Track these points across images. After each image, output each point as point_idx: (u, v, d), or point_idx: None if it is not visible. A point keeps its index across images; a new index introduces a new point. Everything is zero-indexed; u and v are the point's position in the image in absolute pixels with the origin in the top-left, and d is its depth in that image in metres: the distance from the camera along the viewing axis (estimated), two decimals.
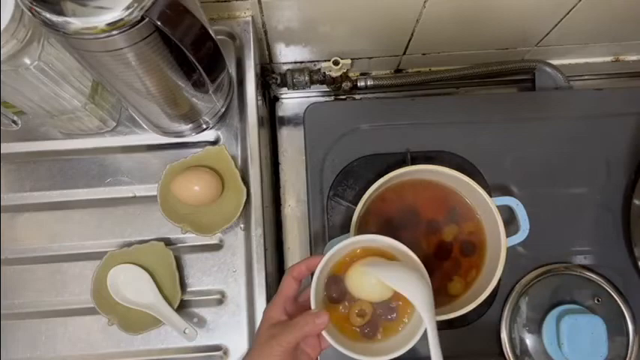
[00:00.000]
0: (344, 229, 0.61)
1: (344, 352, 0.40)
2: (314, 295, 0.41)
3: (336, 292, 0.43)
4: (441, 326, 0.59)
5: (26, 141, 0.60)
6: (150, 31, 0.39)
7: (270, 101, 0.78)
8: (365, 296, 0.43)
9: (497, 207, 0.55)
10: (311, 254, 0.62)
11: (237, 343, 0.56)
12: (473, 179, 0.55)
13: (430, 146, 0.64)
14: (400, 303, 0.44)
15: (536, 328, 0.59)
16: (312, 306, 0.40)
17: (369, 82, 0.73)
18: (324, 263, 0.41)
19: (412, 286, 0.40)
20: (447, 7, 0.60)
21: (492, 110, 0.67)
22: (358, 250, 0.44)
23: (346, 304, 0.43)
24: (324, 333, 0.40)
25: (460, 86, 0.78)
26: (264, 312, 0.43)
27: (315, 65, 0.74)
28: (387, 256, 0.44)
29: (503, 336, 0.59)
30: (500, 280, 0.53)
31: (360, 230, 0.58)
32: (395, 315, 0.43)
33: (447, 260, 0.58)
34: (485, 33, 0.68)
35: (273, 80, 0.72)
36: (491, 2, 0.60)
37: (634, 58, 0.79)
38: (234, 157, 0.58)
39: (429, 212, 0.60)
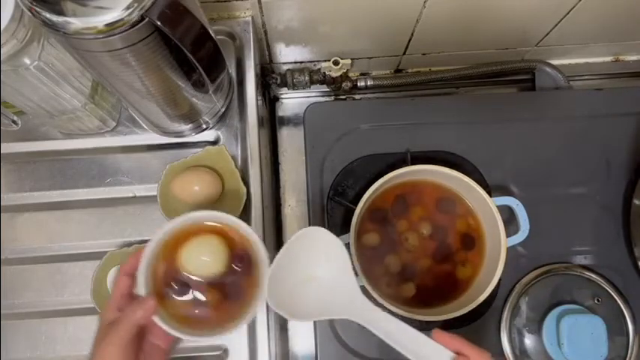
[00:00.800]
0: (344, 229, 0.61)
1: (177, 334, 0.40)
2: (142, 281, 0.40)
3: (166, 276, 0.42)
4: (442, 326, 0.59)
5: (26, 141, 0.60)
6: (150, 31, 0.39)
7: (270, 101, 0.78)
8: (195, 272, 0.42)
9: (497, 207, 0.55)
10: None
11: (237, 343, 0.56)
12: (473, 179, 0.55)
13: (430, 146, 0.64)
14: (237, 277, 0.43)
15: (536, 328, 0.59)
16: (141, 293, 0.39)
17: (369, 82, 0.73)
18: (150, 248, 0.41)
19: None
20: (447, 7, 0.60)
21: (492, 110, 0.67)
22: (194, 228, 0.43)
23: (175, 286, 0.42)
24: (155, 318, 0.38)
25: (460, 86, 0.78)
26: (99, 316, 0.41)
27: (315, 65, 0.74)
28: (228, 236, 0.44)
29: (503, 336, 0.59)
30: (500, 280, 0.53)
31: (361, 230, 0.58)
32: (235, 291, 0.43)
33: (447, 260, 0.58)
34: (485, 33, 0.68)
35: (273, 80, 0.72)
36: (491, 2, 0.60)
37: (634, 58, 0.79)
38: (234, 157, 0.58)
39: (429, 212, 0.60)
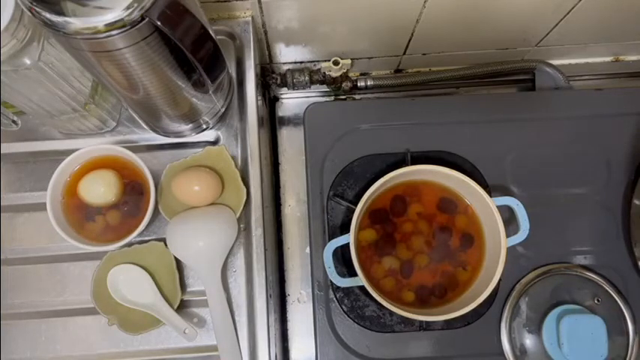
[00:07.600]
0: (344, 229, 0.61)
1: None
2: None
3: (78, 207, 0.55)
4: (442, 326, 0.59)
5: (26, 141, 0.60)
6: (150, 31, 0.39)
7: (270, 101, 0.78)
8: (94, 200, 0.54)
9: (497, 207, 0.55)
10: (311, 254, 0.62)
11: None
12: (473, 179, 0.55)
13: (430, 146, 0.64)
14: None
15: (536, 328, 0.59)
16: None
17: (369, 82, 0.73)
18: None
19: None
20: (447, 7, 0.60)
21: (492, 110, 0.67)
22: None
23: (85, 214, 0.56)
24: None
25: (460, 86, 0.78)
26: None
27: (315, 65, 0.74)
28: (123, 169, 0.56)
29: (503, 336, 0.59)
30: (500, 280, 0.53)
31: (361, 230, 0.58)
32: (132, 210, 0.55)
33: (447, 260, 0.58)
34: (485, 33, 0.68)
35: (273, 80, 0.72)
36: (491, 2, 0.60)
37: (634, 58, 0.79)
38: (234, 157, 0.58)
39: (429, 212, 0.60)
